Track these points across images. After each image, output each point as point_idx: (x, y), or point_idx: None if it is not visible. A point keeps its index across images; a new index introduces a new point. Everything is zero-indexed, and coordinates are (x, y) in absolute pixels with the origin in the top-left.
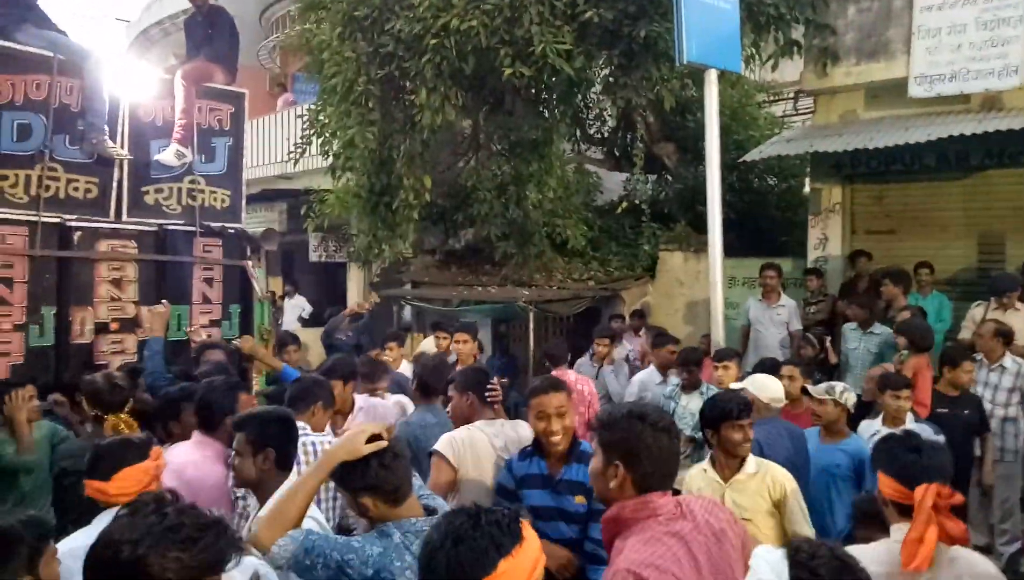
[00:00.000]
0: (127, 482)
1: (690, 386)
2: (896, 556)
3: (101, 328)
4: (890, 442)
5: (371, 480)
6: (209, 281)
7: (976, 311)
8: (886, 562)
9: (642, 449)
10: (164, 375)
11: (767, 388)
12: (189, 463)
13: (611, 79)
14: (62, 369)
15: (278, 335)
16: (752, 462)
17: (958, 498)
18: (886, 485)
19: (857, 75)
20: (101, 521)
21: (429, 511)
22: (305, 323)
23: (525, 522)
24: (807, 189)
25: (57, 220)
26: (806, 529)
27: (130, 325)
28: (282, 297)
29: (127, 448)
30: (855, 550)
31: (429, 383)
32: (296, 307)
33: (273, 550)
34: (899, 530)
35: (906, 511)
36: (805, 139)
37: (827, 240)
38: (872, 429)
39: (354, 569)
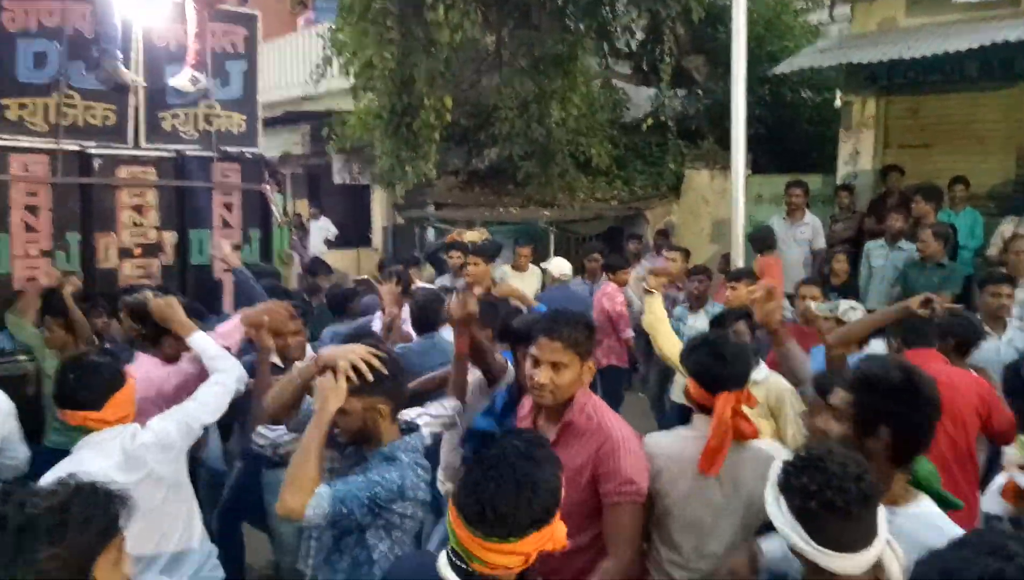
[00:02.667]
0: (119, 408)
1: (697, 303)
2: (689, 451)
3: (125, 253)
4: (697, 344)
5: (392, 386)
6: (228, 206)
7: (1006, 227)
8: (678, 457)
9: None
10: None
11: (558, 267)
12: None
13: None
14: (89, 294)
15: (309, 262)
16: (762, 369)
17: (753, 400)
18: (691, 386)
19: None
20: (89, 448)
21: (404, 430)
22: (331, 245)
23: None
24: (838, 103)
25: (77, 148)
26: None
27: (153, 250)
28: (308, 219)
29: (113, 374)
30: (657, 436)
31: (427, 317)
32: (321, 229)
33: (308, 514)
34: (698, 425)
35: (706, 410)
36: (840, 49)
37: (858, 155)
38: (882, 346)
39: (383, 499)
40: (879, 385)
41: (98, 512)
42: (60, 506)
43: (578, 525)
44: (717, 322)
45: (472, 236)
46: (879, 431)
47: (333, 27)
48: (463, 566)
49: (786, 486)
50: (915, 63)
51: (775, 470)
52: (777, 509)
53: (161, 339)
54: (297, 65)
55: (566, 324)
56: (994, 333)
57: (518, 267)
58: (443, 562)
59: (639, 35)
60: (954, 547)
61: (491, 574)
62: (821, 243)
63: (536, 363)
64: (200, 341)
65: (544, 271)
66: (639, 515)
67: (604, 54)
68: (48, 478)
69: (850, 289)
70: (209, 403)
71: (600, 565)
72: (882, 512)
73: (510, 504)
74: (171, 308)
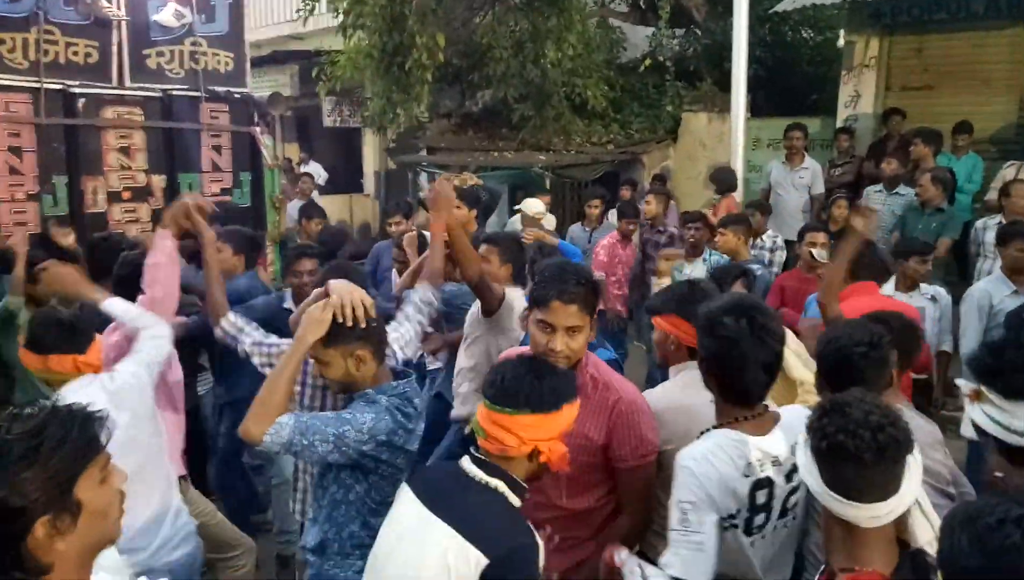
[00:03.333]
0: (98, 353)
1: (693, 252)
2: (691, 398)
3: (114, 197)
4: (679, 290)
5: (365, 331)
6: (217, 149)
7: (1007, 172)
8: (683, 408)
9: None
10: None
11: (532, 206)
12: None
13: None
14: (79, 239)
15: (305, 207)
16: None
17: None
18: (677, 326)
19: None
20: (71, 393)
21: (397, 374)
22: (322, 191)
23: None
24: (841, 42)
25: (60, 87)
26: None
27: (142, 194)
28: (297, 164)
29: (90, 320)
30: (655, 393)
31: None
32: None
33: (265, 440)
34: (683, 372)
35: (693, 352)
36: None
37: (859, 97)
38: (886, 292)
39: (350, 438)
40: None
41: (74, 433)
42: (35, 429)
43: (589, 484)
44: (715, 279)
45: (460, 181)
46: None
47: None
48: (478, 455)
49: (809, 426)
50: (920, 0)
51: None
52: (801, 449)
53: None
54: (283, 1)
55: (577, 284)
56: (1021, 290)
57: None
58: (465, 458)
59: None
60: (981, 500)
61: (496, 453)
62: (820, 188)
63: (551, 329)
64: (111, 306)
65: (521, 212)
66: (653, 471)
67: None
68: None
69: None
70: (153, 353)
71: (616, 523)
72: (915, 472)
73: (517, 379)
74: (63, 279)
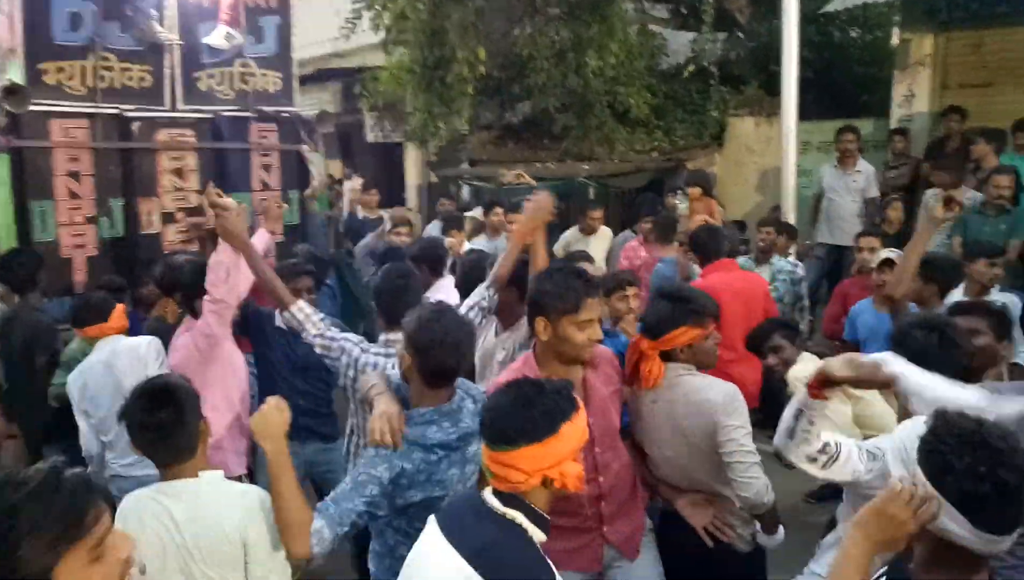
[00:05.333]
0: (119, 318)
1: (763, 257)
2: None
3: (168, 218)
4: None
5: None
6: (267, 168)
7: None
8: None
9: None
10: None
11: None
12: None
13: None
14: (134, 260)
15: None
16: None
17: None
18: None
19: None
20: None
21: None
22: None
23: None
24: (894, 40)
25: (115, 111)
26: None
27: (196, 214)
28: (339, 181)
29: (104, 300)
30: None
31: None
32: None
33: (315, 552)
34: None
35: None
36: None
37: (914, 97)
38: (953, 299)
39: (378, 499)
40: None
41: (53, 512)
42: (9, 509)
43: (617, 446)
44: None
45: (512, 178)
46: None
47: None
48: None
49: (945, 468)
50: None
51: (907, 450)
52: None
53: (195, 305)
54: (326, 21)
55: (586, 278)
56: None
57: (588, 229)
58: (487, 488)
59: None
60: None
61: (507, 491)
62: (874, 191)
63: (589, 324)
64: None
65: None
66: None
67: None
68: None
69: (905, 238)
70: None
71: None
72: None
73: (507, 413)
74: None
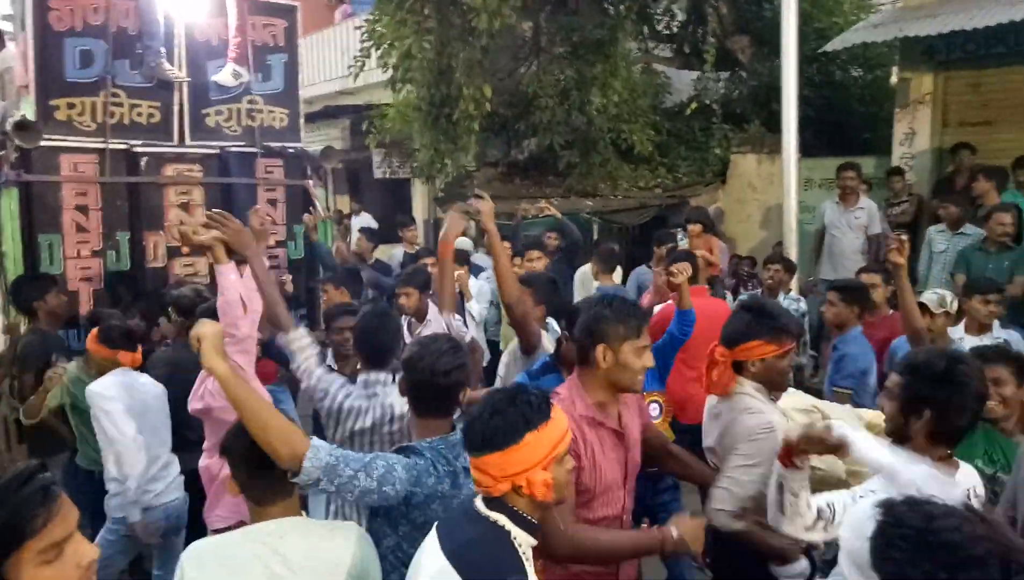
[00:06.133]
0: (137, 354)
1: (771, 294)
2: None
3: (174, 252)
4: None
5: None
6: (272, 202)
7: None
8: None
9: None
10: None
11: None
12: None
13: None
14: (140, 293)
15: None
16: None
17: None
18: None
19: None
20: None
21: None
22: (370, 239)
23: (556, 405)
24: (894, 79)
25: (124, 146)
26: None
27: (200, 249)
28: (347, 216)
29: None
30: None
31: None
32: (362, 225)
33: (305, 465)
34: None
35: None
36: (895, 23)
37: (914, 135)
38: (955, 336)
39: (380, 481)
40: (923, 371)
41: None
42: None
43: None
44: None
45: (537, 210)
46: (922, 413)
47: (371, 17)
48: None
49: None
50: (976, 34)
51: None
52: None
53: None
54: (335, 59)
55: (635, 307)
56: None
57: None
58: (478, 498)
59: (680, 16)
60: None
61: (484, 494)
62: (877, 228)
63: (646, 350)
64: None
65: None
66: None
67: (644, 37)
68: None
69: (908, 275)
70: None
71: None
72: None
73: (475, 421)
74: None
